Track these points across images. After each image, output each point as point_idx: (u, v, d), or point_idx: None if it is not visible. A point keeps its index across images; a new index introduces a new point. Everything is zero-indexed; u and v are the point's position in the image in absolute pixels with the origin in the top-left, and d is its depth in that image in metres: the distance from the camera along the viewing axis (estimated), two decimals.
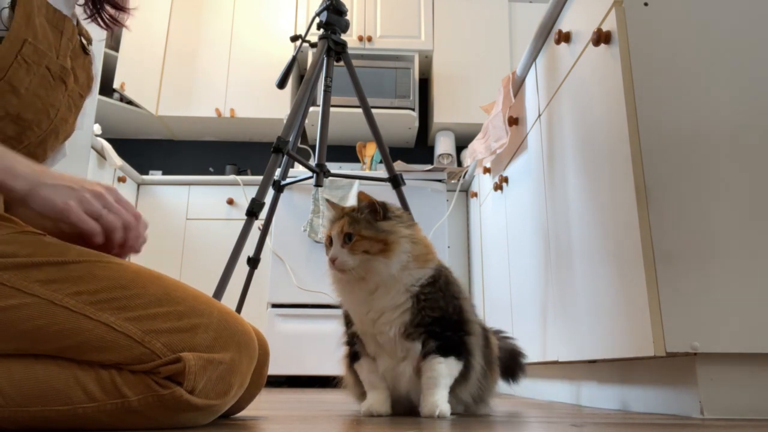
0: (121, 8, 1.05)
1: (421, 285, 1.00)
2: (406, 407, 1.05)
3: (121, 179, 3.03)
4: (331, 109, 3.28)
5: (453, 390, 1.01)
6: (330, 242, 1.01)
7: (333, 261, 0.98)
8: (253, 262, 2.06)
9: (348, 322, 1.09)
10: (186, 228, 3.16)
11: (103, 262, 0.75)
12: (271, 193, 2.85)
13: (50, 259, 0.73)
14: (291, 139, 1.89)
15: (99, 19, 1.03)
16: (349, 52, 2.09)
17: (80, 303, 0.71)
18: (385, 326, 1.00)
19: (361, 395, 1.08)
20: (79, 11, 1.00)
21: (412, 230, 1.04)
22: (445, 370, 0.98)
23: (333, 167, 3.36)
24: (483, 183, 2.62)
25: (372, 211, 1.02)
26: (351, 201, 2.86)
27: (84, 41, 0.97)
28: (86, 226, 0.76)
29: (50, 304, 0.70)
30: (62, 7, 0.91)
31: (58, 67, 0.88)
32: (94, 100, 2.19)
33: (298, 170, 2.89)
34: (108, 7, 1.03)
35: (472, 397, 1.07)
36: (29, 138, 0.86)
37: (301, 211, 2.90)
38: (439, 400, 0.96)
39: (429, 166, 3.01)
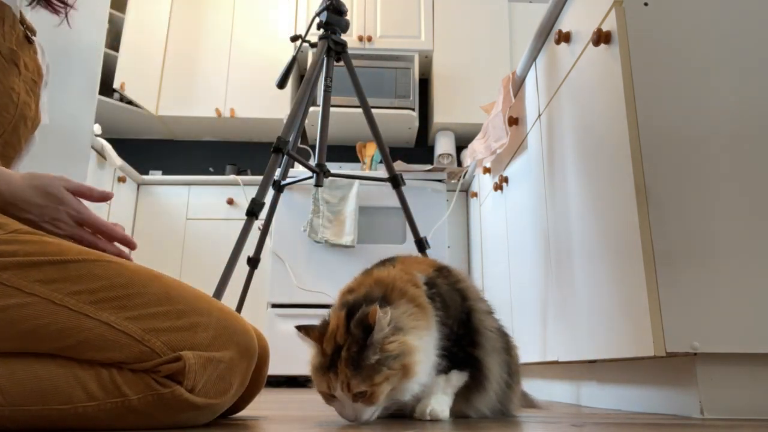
0: None
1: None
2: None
3: (121, 179, 3.03)
4: (331, 109, 3.28)
5: (469, 400, 0.96)
6: (327, 388, 0.81)
7: (350, 421, 0.82)
8: (253, 262, 2.06)
9: None
10: (186, 228, 3.16)
11: (102, 261, 0.75)
12: (271, 193, 2.85)
13: (50, 258, 0.73)
14: (291, 139, 1.89)
15: (47, 4, 1.04)
16: (349, 52, 2.09)
17: (80, 302, 0.71)
18: None
19: None
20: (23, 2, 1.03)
21: (408, 310, 0.86)
22: (442, 381, 0.93)
23: (333, 167, 3.35)
24: (483, 183, 2.62)
25: (362, 347, 0.79)
26: (351, 201, 2.86)
27: (28, 32, 1.01)
28: None
29: (50, 303, 0.70)
30: None
31: (7, 50, 0.92)
32: (94, 99, 2.19)
33: (298, 170, 2.89)
34: None
35: (490, 410, 1.00)
36: (3, 126, 0.90)
37: (301, 211, 2.90)
38: (433, 402, 0.91)
39: (429, 166, 3.01)
